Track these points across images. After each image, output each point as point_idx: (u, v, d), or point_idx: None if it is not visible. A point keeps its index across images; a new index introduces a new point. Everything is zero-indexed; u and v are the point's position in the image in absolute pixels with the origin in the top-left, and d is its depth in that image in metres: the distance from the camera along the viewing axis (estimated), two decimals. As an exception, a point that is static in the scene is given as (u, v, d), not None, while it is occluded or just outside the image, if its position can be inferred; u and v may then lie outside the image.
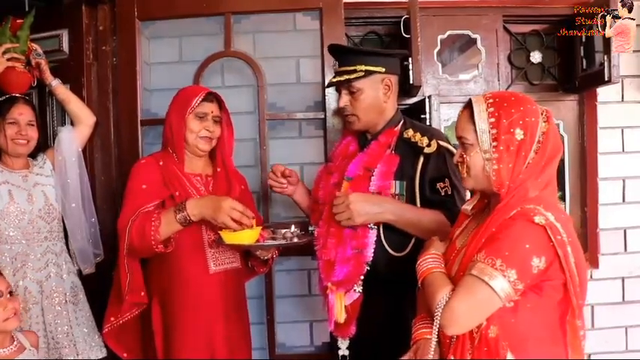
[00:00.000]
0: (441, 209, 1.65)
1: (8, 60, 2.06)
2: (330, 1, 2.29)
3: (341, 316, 1.69)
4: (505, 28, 2.60)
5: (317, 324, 2.51)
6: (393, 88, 1.77)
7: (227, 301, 1.83)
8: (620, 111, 2.54)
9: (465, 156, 1.30)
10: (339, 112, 1.93)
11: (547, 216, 1.16)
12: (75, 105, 2.19)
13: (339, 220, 1.66)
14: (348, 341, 1.74)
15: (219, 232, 1.68)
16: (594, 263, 2.55)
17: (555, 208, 1.21)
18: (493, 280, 1.14)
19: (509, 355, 1.18)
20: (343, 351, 1.76)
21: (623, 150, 2.55)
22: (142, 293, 1.78)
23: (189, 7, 2.33)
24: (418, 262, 1.38)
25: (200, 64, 2.35)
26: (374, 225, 1.68)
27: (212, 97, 1.87)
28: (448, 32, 2.54)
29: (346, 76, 1.72)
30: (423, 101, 2.20)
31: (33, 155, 2.11)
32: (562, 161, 2.57)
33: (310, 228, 1.87)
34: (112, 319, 1.84)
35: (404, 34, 2.26)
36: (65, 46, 2.34)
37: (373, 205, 1.65)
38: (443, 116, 2.38)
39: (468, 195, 1.63)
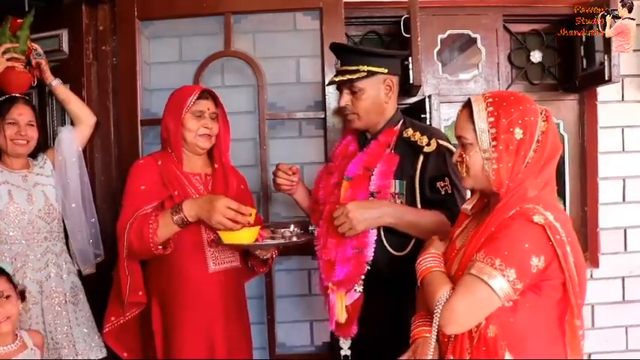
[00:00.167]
0: (441, 208, 1.65)
1: (8, 60, 2.05)
2: (330, 1, 2.29)
3: (342, 316, 1.69)
4: (505, 28, 2.59)
5: (317, 324, 2.51)
6: (394, 88, 1.77)
7: (227, 301, 1.82)
8: (621, 110, 2.54)
9: (464, 155, 1.30)
10: (340, 111, 1.93)
11: (546, 215, 1.16)
12: (75, 105, 2.19)
13: (342, 232, 1.65)
14: (350, 341, 1.74)
15: (218, 231, 1.68)
16: (594, 263, 2.55)
17: (554, 207, 1.21)
18: (492, 280, 1.14)
19: (507, 355, 1.18)
20: (345, 351, 1.75)
21: (624, 149, 2.55)
22: (140, 293, 1.78)
23: (189, 6, 2.33)
24: (418, 261, 1.38)
25: (200, 64, 2.35)
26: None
27: (207, 94, 1.87)
28: (448, 32, 2.54)
29: (348, 76, 1.72)
30: (423, 101, 2.20)
31: (33, 155, 2.11)
32: (562, 161, 2.57)
33: (311, 228, 1.87)
34: (113, 318, 1.84)
35: (404, 34, 2.26)
36: (65, 46, 2.34)
37: (372, 210, 1.64)
38: (443, 116, 2.37)
39: (468, 194, 1.63)
